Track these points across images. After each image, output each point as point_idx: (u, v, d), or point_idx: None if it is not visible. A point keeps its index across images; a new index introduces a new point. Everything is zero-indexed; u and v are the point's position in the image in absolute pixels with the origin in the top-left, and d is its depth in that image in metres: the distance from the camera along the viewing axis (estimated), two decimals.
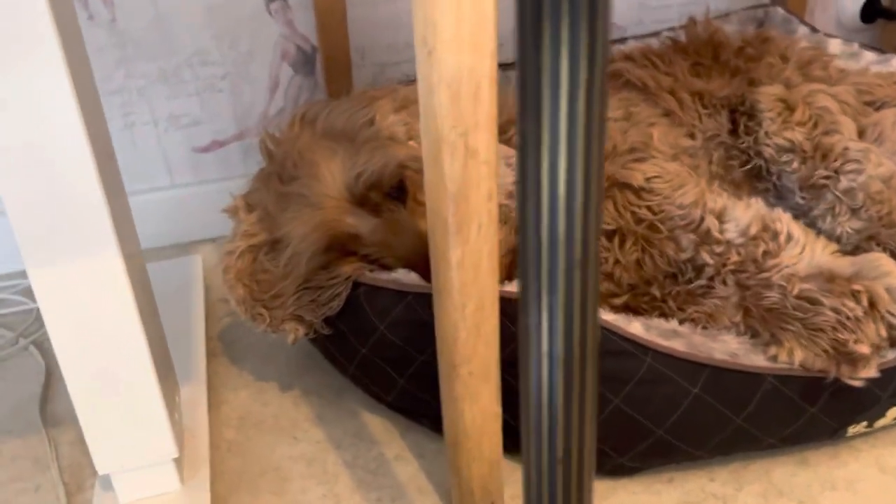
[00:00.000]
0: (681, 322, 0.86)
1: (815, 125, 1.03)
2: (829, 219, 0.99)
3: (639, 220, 0.90)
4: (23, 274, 1.19)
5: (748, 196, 0.94)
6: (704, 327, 0.85)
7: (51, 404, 1.01)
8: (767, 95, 1.06)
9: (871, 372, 0.78)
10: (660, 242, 0.89)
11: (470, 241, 0.65)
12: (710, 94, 1.09)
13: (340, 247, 0.88)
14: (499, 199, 0.69)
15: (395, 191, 0.88)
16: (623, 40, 1.30)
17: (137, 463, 0.81)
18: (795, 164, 1.02)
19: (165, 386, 0.80)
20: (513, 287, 0.82)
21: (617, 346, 0.79)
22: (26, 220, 0.66)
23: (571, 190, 0.36)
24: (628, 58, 1.15)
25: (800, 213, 1.02)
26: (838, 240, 0.97)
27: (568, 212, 0.36)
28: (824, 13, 1.50)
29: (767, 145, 1.04)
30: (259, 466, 0.91)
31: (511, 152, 0.93)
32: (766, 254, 0.84)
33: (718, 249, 0.87)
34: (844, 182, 0.98)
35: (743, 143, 1.07)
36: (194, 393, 0.97)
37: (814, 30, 1.29)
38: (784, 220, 0.87)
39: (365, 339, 0.88)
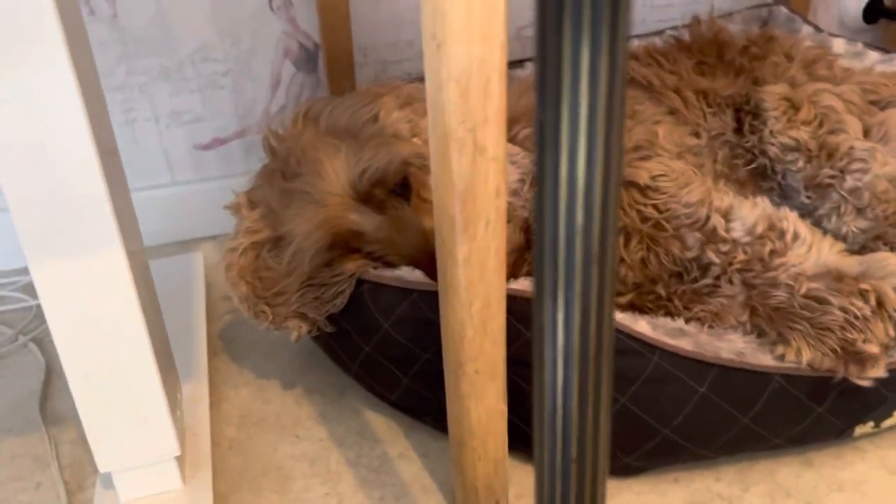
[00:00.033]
0: (687, 321, 0.85)
1: (821, 124, 1.02)
2: (834, 218, 0.99)
3: (644, 219, 0.89)
4: (23, 271, 1.19)
5: (753, 195, 0.93)
6: (710, 326, 0.85)
7: (51, 402, 1.00)
8: (772, 94, 1.05)
9: (879, 372, 0.78)
10: (665, 241, 0.88)
11: (477, 238, 0.65)
12: (714, 92, 1.09)
13: (344, 244, 0.87)
14: None
15: (400, 188, 0.87)
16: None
17: (139, 461, 0.80)
18: (801, 164, 1.02)
19: (167, 384, 0.79)
20: (517, 285, 0.82)
21: (623, 345, 0.79)
22: (29, 217, 0.66)
23: (590, 183, 0.35)
24: (633, 56, 1.14)
25: (805, 213, 1.01)
26: (844, 239, 0.96)
27: (586, 205, 0.36)
28: (827, 13, 1.50)
29: (772, 144, 1.04)
30: (261, 465, 0.91)
31: (515, 150, 0.93)
32: (772, 253, 0.84)
33: (724, 248, 0.86)
34: (850, 181, 0.98)
35: (748, 141, 1.07)
36: (195, 391, 0.96)
37: (818, 29, 1.28)
38: (790, 219, 0.86)
39: (369, 337, 0.88)
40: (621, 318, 0.81)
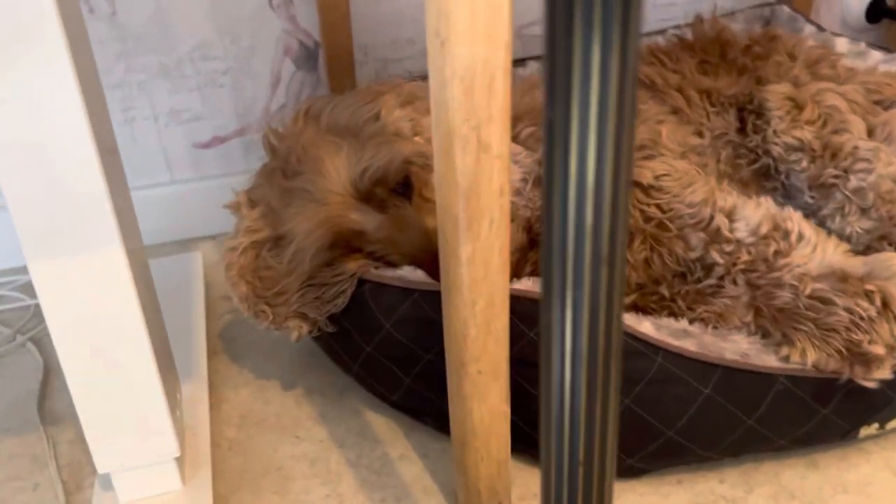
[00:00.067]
0: (690, 322, 0.85)
1: (825, 124, 1.02)
2: (838, 218, 0.98)
3: (648, 219, 0.88)
4: (20, 270, 1.19)
5: (756, 195, 0.92)
6: (715, 327, 0.84)
7: (49, 402, 0.99)
8: (776, 94, 1.05)
9: (885, 373, 0.77)
10: (669, 241, 0.88)
11: (481, 237, 0.64)
12: (717, 92, 1.08)
13: (345, 243, 0.87)
14: None
15: (401, 187, 0.86)
16: None
17: (138, 462, 0.79)
18: (804, 163, 1.01)
19: (167, 384, 0.79)
20: (521, 285, 0.81)
21: (627, 346, 0.78)
22: (28, 215, 0.65)
23: (600, 182, 0.35)
24: None
25: (809, 213, 1.00)
26: (848, 239, 0.96)
27: (596, 204, 0.35)
28: (829, 12, 1.49)
29: (776, 144, 1.03)
30: (261, 466, 0.90)
31: (518, 149, 0.92)
32: (777, 253, 0.83)
33: (728, 248, 0.85)
34: (854, 181, 0.97)
35: (751, 141, 1.06)
36: (195, 391, 0.95)
37: (820, 28, 1.28)
38: (795, 219, 0.86)
39: (370, 337, 0.87)
40: (625, 318, 0.80)
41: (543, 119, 0.35)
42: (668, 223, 0.88)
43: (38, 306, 1.10)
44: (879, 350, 0.77)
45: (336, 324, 0.89)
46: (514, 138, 0.93)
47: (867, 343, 0.77)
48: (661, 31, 1.29)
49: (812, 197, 1.01)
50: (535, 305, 0.77)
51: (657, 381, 0.78)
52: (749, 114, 1.07)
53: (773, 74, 1.09)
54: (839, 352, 0.77)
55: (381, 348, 0.87)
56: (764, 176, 1.06)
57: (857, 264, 0.82)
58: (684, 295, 0.87)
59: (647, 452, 0.82)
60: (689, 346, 0.80)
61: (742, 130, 1.08)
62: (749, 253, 0.84)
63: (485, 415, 0.72)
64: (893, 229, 0.94)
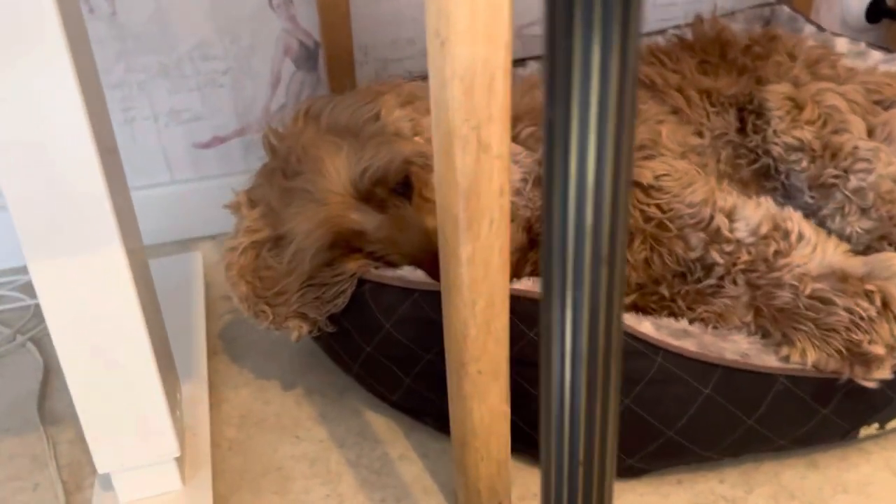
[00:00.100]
0: (690, 322, 0.85)
1: (825, 124, 1.02)
2: (838, 218, 0.98)
3: (647, 219, 0.88)
4: (20, 270, 1.19)
5: (756, 195, 0.92)
6: (715, 327, 0.84)
7: (49, 402, 0.99)
8: (776, 94, 1.05)
9: (885, 373, 0.77)
10: (669, 241, 0.88)
11: (481, 237, 0.64)
12: (717, 91, 1.08)
13: (345, 243, 0.87)
14: None
15: (401, 187, 0.86)
16: None
17: (138, 462, 0.79)
18: (804, 163, 1.01)
19: (167, 383, 0.79)
20: (520, 285, 0.81)
21: (627, 346, 0.78)
22: (28, 215, 0.65)
23: (600, 181, 0.35)
24: None
25: (809, 213, 1.00)
26: (848, 240, 0.96)
27: (596, 204, 0.35)
28: (829, 12, 1.49)
29: (776, 144, 1.03)
30: (261, 466, 0.90)
31: (518, 149, 0.92)
32: (777, 253, 0.83)
33: (728, 248, 0.85)
34: (854, 181, 0.97)
35: (751, 141, 1.06)
36: (195, 391, 0.95)
37: (820, 28, 1.28)
38: (795, 219, 0.86)
39: (370, 337, 0.87)
40: (625, 318, 0.80)
41: (543, 119, 0.35)
42: (668, 223, 0.88)
43: (38, 306, 1.10)
44: (879, 350, 0.77)
45: (336, 324, 0.89)
46: (514, 138, 0.93)
47: (867, 343, 0.77)
48: (661, 31, 1.29)
49: (812, 197, 1.01)
50: (535, 305, 0.77)
51: (657, 381, 0.78)
52: (749, 114, 1.07)
53: (773, 74, 1.09)
54: (839, 352, 0.77)
55: (381, 348, 0.87)
56: (764, 176, 1.06)
57: (857, 264, 0.82)
58: (684, 295, 0.87)
59: (647, 452, 0.82)
60: (689, 346, 0.80)
61: (742, 130, 1.08)
62: (749, 253, 0.84)
63: (485, 415, 0.72)
64: (893, 229, 0.94)
